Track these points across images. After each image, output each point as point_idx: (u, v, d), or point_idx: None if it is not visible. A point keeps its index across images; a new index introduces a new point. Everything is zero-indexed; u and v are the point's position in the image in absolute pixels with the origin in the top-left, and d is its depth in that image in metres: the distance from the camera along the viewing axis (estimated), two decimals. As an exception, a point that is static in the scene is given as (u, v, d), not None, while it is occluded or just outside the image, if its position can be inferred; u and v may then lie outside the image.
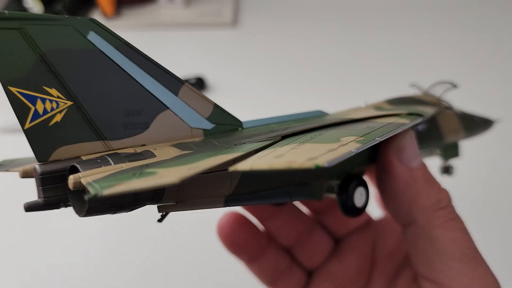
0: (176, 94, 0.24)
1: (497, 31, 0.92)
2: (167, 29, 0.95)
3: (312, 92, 0.78)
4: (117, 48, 0.21)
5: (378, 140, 0.22)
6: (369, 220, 0.39)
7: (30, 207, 0.21)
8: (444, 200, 0.27)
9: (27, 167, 0.23)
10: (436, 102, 0.36)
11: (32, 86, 0.20)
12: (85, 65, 0.20)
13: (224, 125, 0.26)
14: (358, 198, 0.28)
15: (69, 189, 0.19)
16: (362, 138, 0.22)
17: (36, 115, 0.20)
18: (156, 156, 0.21)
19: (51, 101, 0.20)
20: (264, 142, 0.24)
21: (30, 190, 0.24)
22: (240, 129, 0.27)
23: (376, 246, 0.36)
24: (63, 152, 0.21)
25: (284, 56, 0.88)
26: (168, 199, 0.22)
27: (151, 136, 0.23)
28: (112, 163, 0.20)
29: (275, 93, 0.78)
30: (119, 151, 0.22)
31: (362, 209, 0.29)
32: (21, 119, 0.20)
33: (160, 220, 0.26)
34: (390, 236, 0.36)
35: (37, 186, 0.21)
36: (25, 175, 0.23)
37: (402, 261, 0.35)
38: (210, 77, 0.81)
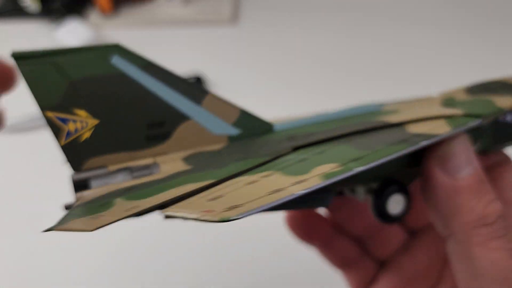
0: (199, 103, 0.25)
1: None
2: (166, 27, 0.94)
3: (313, 90, 0.78)
4: (140, 68, 0.23)
5: (354, 172, 0.20)
6: None
7: (67, 208, 0.25)
8: (491, 216, 0.24)
9: None
10: None
11: (64, 109, 0.23)
12: (110, 87, 0.23)
13: (251, 129, 0.27)
14: (393, 205, 0.26)
15: None
16: (341, 168, 0.20)
17: (69, 134, 0.23)
18: (159, 173, 0.24)
19: (81, 121, 0.23)
20: (264, 157, 0.24)
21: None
22: (269, 133, 0.28)
23: None
24: (93, 162, 0.24)
25: (283, 54, 0.87)
26: None
27: (172, 145, 0.25)
28: (120, 179, 0.24)
29: (275, 91, 0.78)
30: (137, 162, 0.24)
31: (398, 217, 0.26)
32: (57, 137, 0.23)
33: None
34: None
35: (73, 192, 0.25)
36: None
37: None
38: (209, 75, 0.81)
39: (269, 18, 0.97)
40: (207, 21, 0.94)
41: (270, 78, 0.81)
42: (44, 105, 0.23)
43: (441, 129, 0.25)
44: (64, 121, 0.23)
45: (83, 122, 0.23)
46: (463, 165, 0.24)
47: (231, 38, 0.92)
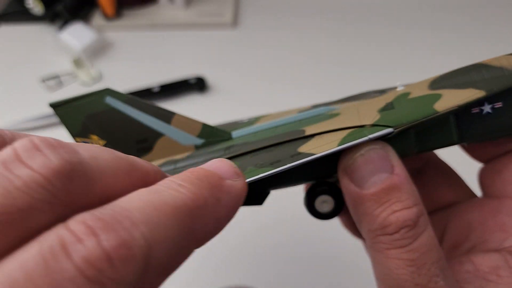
0: (169, 123, 0.33)
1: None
2: (168, 30, 0.95)
3: (313, 92, 0.78)
4: (124, 102, 0.32)
5: None
6: (453, 201, 0.32)
7: None
8: (393, 226, 0.23)
9: None
10: None
11: (84, 135, 0.32)
12: (108, 118, 0.32)
13: (212, 139, 0.34)
14: (321, 204, 0.28)
15: None
16: None
17: None
18: None
19: (95, 142, 0.32)
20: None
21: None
22: (228, 140, 0.34)
23: (445, 234, 0.31)
24: None
25: (284, 56, 0.88)
26: None
27: (155, 155, 0.33)
28: None
29: (275, 93, 0.79)
30: None
31: (328, 215, 0.28)
32: None
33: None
34: (458, 225, 0.29)
35: None
36: None
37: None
38: (210, 77, 0.82)
39: (269, 21, 0.98)
40: (208, 24, 0.95)
41: (270, 79, 0.82)
42: (73, 133, 0.32)
43: (331, 145, 0.25)
44: (86, 143, 0.30)
45: (96, 143, 0.32)
46: (368, 176, 0.24)
47: (232, 41, 0.93)
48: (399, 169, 0.24)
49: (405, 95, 0.27)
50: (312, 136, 0.28)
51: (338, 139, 0.25)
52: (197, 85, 0.79)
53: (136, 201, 0.15)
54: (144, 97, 0.77)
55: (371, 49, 0.88)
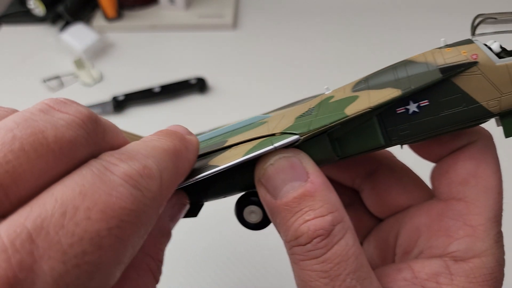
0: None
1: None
2: (168, 31, 0.96)
3: (313, 93, 0.79)
4: None
5: None
6: (408, 204, 0.31)
7: None
8: (305, 236, 0.22)
9: None
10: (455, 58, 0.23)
11: None
12: None
13: None
14: (248, 214, 0.26)
15: None
16: None
17: None
18: None
19: None
20: None
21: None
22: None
23: (397, 240, 0.30)
24: None
25: (284, 57, 0.88)
26: None
27: None
28: None
29: (275, 94, 0.79)
30: None
31: (257, 225, 0.27)
32: None
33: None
34: (409, 230, 0.28)
35: None
36: None
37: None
38: (210, 78, 0.82)
39: (270, 22, 0.99)
40: (208, 25, 0.96)
41: (270, 80, 0.83)
42: None
43: (237, 156, 0.24)
44: None
45: None
46: (281, 185, 0.23)
47: (232, 42, 0.93)
48: (314, 176, 0.23)
49: (328, 99, 0.25)
50: (229, 147, 0.27)
51: (246, 150, 0.24)
52: (198, 85, 0.79)
53: (137, 147, 0.19)
54: (145, 97, 0.78)
55: (371, 49, 0.89)
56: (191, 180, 0.23)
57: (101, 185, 0.16)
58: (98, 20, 0.97)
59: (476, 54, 0.21)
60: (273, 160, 0.23)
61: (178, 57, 0.89)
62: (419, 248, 0.26)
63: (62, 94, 0.82)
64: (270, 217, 0.24)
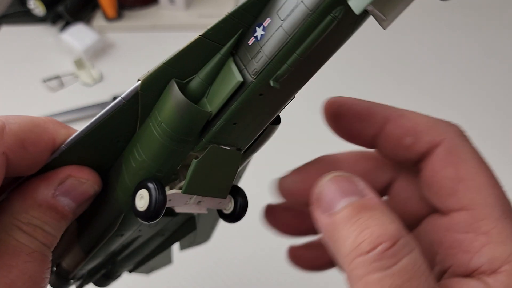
0: None
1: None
2: (168, 31, 0.96)
3: (312, 94, 0.79)
4: None
5: None
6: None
7: None
8: (366, 242, 0.19)
9: None
10: None
11: None
12: None
13: None
14: (139, 200, 0.23)
15: None
16: None
17: None
18: None
19: None
20: None
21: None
22: None
23: None
24: None
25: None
26: None
27: None
28: None
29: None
30: None
31: (146, 213, 0.23)
32: None
33: None
34: (424, 247, 0.23)
35: None
36: None
37: None
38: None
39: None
40: (208, 25, 0.96)
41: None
42: None
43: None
44: None
45: None
46: (335, 201, 0.21)
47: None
48: (372, 194, 0.21)
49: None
50: None
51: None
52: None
53: None
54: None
55: (371, 50, 0.89)
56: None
57: None
58: (98, 20, 0.97)
59: None
60: (327, 178, 0.22)
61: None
62: (440, 267, 0.24)
63: (62, 94, 0.83)
64: (327, 240, 0.22)
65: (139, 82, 0.21)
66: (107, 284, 0.36)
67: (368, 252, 0.19)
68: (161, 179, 0.23)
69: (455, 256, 0.23)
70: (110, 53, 0.91)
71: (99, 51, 0.90)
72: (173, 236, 0.33)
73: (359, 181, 0.21)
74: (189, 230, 0.32)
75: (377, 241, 0.19)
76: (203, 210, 0.26)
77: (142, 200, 0.23)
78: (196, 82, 0.21)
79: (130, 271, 0.36)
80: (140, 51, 0.92)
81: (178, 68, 0.21)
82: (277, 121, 0.25)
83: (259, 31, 0.20)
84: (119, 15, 0.97)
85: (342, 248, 0.20)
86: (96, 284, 0.35)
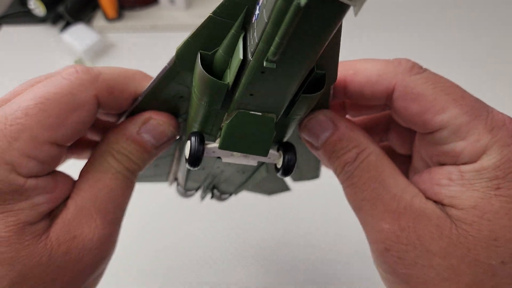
0: None
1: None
2: (168, 31, 0.96)
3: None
4: None
5: None
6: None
7: None
8: (338, 169, 0.28)
9: None
10: None
11: None
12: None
13: None
14: (186, 149, 0.27)
15: None
16: None
17: None
18: None
19: None
20: None
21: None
22: None
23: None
24: None
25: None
26: None
27: None
28: None
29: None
30: None
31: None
32: None
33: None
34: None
35: None
36: None
37: None
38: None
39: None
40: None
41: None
42: None
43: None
44: None
45: None
46: (316, 138, 0.28)
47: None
48: (340, 124, 0.28)
49: None
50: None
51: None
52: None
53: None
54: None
55: (372, 49, 0.89)
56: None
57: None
58: (99, 20, 0.97)
59: None
60: (305, 121, 0.28)
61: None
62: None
63: (63, 94, 0.82)
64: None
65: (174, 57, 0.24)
66: (221, 199, 0.45)
67: (340, 174, 0.28)
68: (204, 135, 0.27)
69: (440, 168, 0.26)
70: (111, 53, 0.91)
71: (100, 51, 0.90)
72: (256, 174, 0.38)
73: (327, 113, 0.28)
74: (262, 174, 0.38)
75: (343, 165, 0.28)
76: (252, 163, 0.29)
77: (187, 149, 0.27)
78: (218, 54, 0.23)
79: (234, 193, 0.44)
80: (140, 51, 0.92)
81: (201, 42, 0.23)
82: (319, 87, 0.24)
83: (256, 10, 0.20)
84: (119, 15, 0.97)
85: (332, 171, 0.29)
86: (213, 198, 0.45)
